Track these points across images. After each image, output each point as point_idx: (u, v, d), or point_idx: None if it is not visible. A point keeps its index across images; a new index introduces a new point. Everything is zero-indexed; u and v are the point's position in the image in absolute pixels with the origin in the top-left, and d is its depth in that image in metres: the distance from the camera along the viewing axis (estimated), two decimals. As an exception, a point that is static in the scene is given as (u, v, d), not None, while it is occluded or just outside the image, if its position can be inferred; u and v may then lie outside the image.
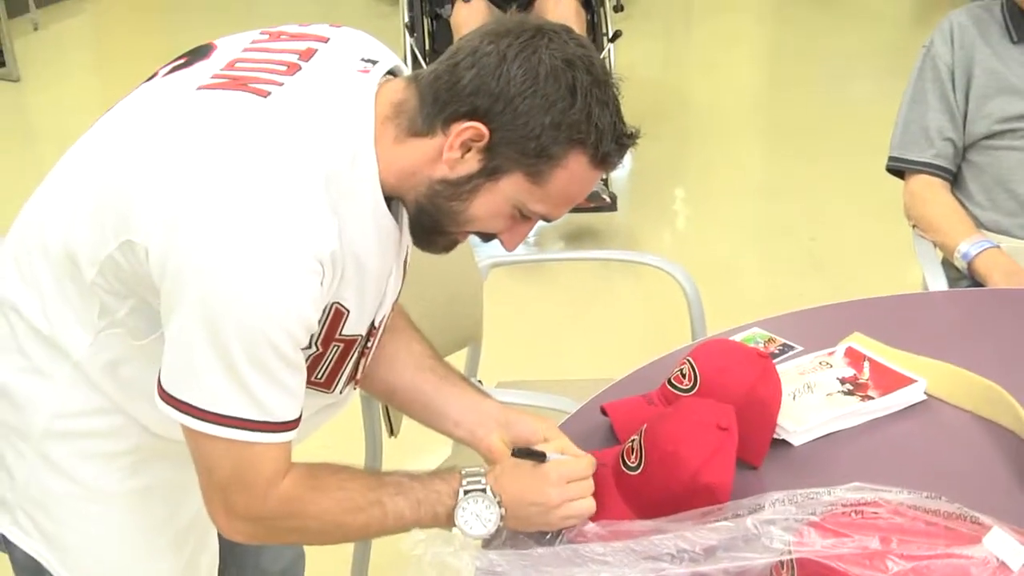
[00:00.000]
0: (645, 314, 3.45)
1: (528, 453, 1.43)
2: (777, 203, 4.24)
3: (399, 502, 1.37)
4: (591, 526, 1.37)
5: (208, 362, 1.23)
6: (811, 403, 1.60)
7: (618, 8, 4.61)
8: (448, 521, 1.39)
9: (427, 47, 4.14)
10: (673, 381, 1.56)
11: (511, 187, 1.31)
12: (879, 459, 1.53)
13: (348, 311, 1.35)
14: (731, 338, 1.77)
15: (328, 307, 1.32)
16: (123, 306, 1.34)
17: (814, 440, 1.56)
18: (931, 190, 2.38)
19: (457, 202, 1.32)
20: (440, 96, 1.29)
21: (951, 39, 2.39)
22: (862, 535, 1.21)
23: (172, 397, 1.27)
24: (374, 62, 1.37)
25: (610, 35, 4.12)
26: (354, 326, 1.38)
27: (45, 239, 1.37)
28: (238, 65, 1.36)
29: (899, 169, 2.45)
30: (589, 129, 1.29)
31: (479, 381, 2.15)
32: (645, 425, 1.44)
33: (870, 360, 1.68)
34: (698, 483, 1.36)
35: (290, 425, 1.30)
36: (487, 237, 1.39)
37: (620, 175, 4.41)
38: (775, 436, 1.53)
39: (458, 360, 2.17)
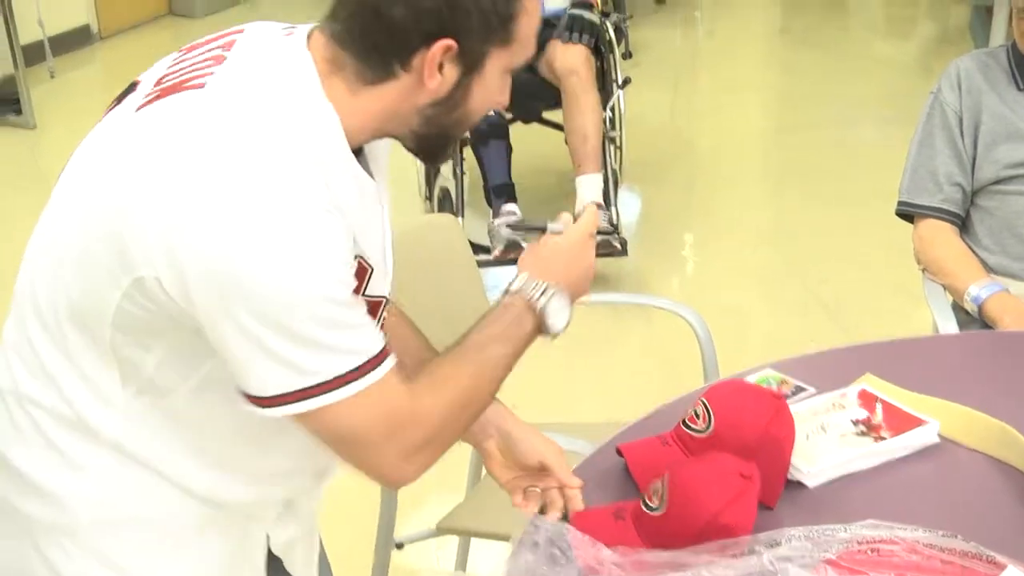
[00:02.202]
0: (657, 357, 3.45)
1: (528, 228, 1.52)
2: (786, 247, 4.26)
3: (495, 347, 1.40)
4: (607, 553, 1.37)
5: (285, 345, 1.21)
6: (825, 444, 1.60)
7: (627, 55, 4.64)
8: (536, 333, 1.44)
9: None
10: (687, 422, 1.57)
11: (494, 64, 1.32)
12: (893, 500, 1.53)
13: (371, 268, 1.35)
14: (744, 379, 1.77)
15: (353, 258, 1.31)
16: (149, 359, 1.31)
17: (828, 481, 1.56)
18: (940, 234, 2.40)
19: (456, 110, 1.34)
20: (380, 44, 1.28)
21: (958, 85, 2.41)
22: (879, 572, 1.22)
23: (274, 398, 1.24)
24: (294, 28, 1.37)
25: (620, 82, 4.14)
26: (377, 285, 1.38)
27: (42, 316, 1.34)
28: (165, 80, 1.34)
29: (908, 213, 2.46)
30: None
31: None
32: (668, 471, 1.45)
33: (883, 402, 1.69)
34: (718, 523, 1.37)
35: (386, 351, 1.28)
36: None
37: (630, 220, 4.43)
38: (789, 477, 1.54)
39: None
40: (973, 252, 2.37)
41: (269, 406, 1.25)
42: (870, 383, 1.75)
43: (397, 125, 1.34)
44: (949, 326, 2.31)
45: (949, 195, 2.39)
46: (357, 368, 1.25)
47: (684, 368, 1.84)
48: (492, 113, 3.85)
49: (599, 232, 3.71)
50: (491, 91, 1.35)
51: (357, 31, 1.28)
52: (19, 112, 5.36)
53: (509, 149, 3.93)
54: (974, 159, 2.38)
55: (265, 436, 1.36)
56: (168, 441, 1.36)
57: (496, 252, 3.75)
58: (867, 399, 1.70)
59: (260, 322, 1.20)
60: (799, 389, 1.77)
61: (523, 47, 1.34)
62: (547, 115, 4.30)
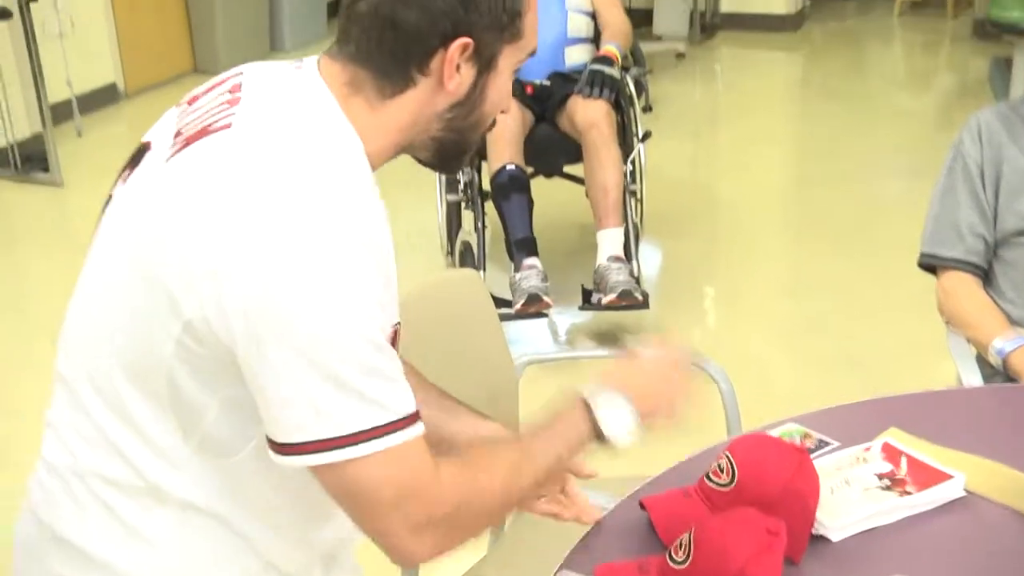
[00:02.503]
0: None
1: (609, 338, 1.48)
2: (808, 300, 4.25)
3: (543, 448, 1.39)
4: None
5: (318, 386, 1.19)
6: (849, 498, 1.59)
7: (647, 109, 4.67)
8: (591, 440, 1.42)
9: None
10: (711, 475, 1.56)
11: (506, 61, 1.36)
12: (919, 554, 1.52)
13: (399, 328, 1.34)
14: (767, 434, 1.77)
15: None
16: (207, 414, 1.30)
17: (853, 535, 1.55)
18: (964, 286, 2.39)
19: (474, 112, 1.37)
20: (397, 53, 1.30)
21: (979, 138, 2.42)
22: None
23: (295, 445, 1.22)
24: (299, 62, 1.38)
25: (640, 135, 4.17)
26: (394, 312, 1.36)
27: (98, 386, 1.33)
28: (183, 130, 1.35)
29: (931, 265, 2.46)
30: None
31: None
32: (695, 525, 1.44)
33: (907, 456, 1.68)
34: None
35: (416, 416, 1.26)
36: None
37: (651, 273, 4.44)
38: (813, 532, 1.53)
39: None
40: (997, 304, 2.37)
41: (289, 454, 1.24)
42: (895, 437, 1.74)
43: (418, 133, 1.36)
44: (973, 379, 2.30)
45: (972, 247, 2.39)
46: (385, 425, 1.23)
47: (707, 421, 1.83)
48: (513, 167, 3.88)
49: (622, 290, 3.72)
50: (502, 92, 1.38)
51: (373, 44, 1.30)
52: (47, 170, 5.41)
53: (531, 203, 3.95)
54: (996, 211, 2.38)
55: (329, 505, 1.32)
56: (232, 504, 1.35)
57: (518, 306, 3.76)
58: (891, 453, 1.69)
59: (298, 360, 1.19)
60: (822, 443, 1.76)
61: (528, 42, 1.37)
62: (568, 169, 4.33)
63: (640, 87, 4.34)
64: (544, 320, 3.95)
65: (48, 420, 1.42)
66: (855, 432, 1.76)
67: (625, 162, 4.03)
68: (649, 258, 4.51)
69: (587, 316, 4.05)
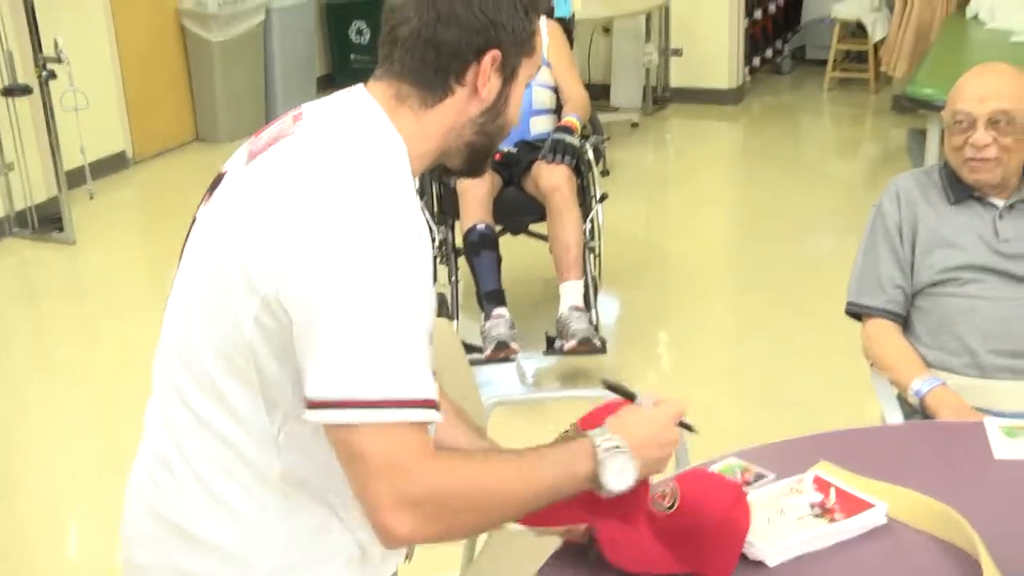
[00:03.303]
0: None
1: (620, 389, 1.48)
2: (750, 345, 4.27)
3: (543, 466, 1.34)
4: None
5: (356, 350, 1.21)
6: (784, 526, 1.60)
7: (605, 173, 4.70)
8: (589, 481, 1.37)
9: (435, 209, 4.19)
10: (655, 498, 1.56)
11: (523, 73, 1.43)
12: (847, 577, 1.52)
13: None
14: (710, 467, 1.78)
15: None
16: (286, 387, 1.30)
17: (788, 560, 1.55)
18: (885, 332, 2.41)
19: (499, 117, 1.43)
20: (439, 65, 1.37)
21: (897, 200, 2.45)
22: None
23: (323, 400, 1.22)
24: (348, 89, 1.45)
25: (598, 197, 4.18)
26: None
27: (197, 378, 1.35)
28: (254, 150, 1.41)
29: (856, 313, 2.47)
30: None
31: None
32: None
33: (836, 487, 1.68)
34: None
35: (434, 403, 1.25)
36: None
37: (609, 322, 4.45)
38: (752, 556, 1.53)
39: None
40: (915, 349, 2.38)
41: (315, 407, 1.23)
42: (824, 469, 1.75)
43: (455, 139, 1.42)
44: (895, 416, 2.31)
45: (892, 297, 2.41)
46: (407, 400, 1.23)
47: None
48: (484, 226, 3.89)
49: (582, 337, 3.73)
50: (518, 99, 1.45)
51: (417, 59, 1.37)
52: (61, 229, 5.39)
53: (499, 258, 3.96)
54: (912, 265, 2.40)
55: None
56: (320, 479, 1.35)
57: (487, 352, 3.75)
58: (822, 484, 1.70)
59: (347, 322, 1.21)
60: (760, 476, 1.76)
61: (538, 58, 1.45)
62: (533, 227, 4.34)
63: (598, 153, 4.36)
64: (512, 364, 3.95)
65: (151, 417, 1.44)
66: (789, 465, 1.77)
67: (585, 221, 4.05)
68: (607, 308, 4.51)
69: (551, 360, 4.05)
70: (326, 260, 1.23)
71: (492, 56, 1.38)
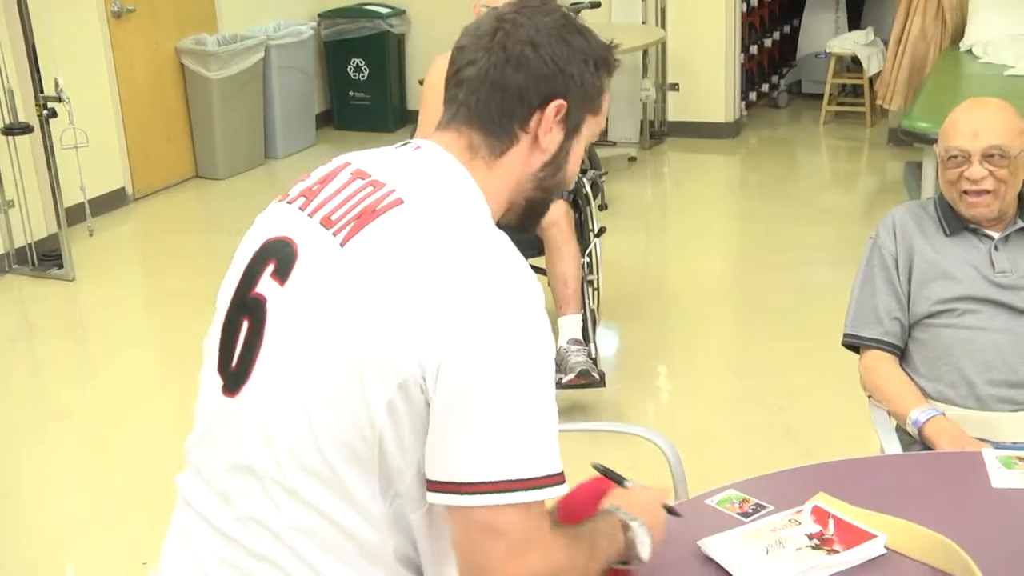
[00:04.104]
0: (633, 479, 3.42)
1: (611, 474, 1.54)
2: (749, 376, 4.27)
3: (603, 539, 1.39)
4: None
5: (497, 432, 1.19)
6: (783, 557, 1.60)
7: (603, 207, 4.70)
8: (627, 550, 1.43)
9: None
10: None
11: (587, 130, 1.40)
12: (846, 608, 1.52)
13: None
14: (708, 499, 1.78)
15: None
16: (406, 473, 1.27)
17: (787, 591, 1.55)
18: (882, 364, 2.41)
19: (559, 172, 1.40)
20: (504, 110, 1.34)
21: (894, 232, 2.46)
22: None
23: (460, 484, 1.20)
24: (407, 142, 1.41)
25: (596, 231, 4.20)
26: None
27: (306, 465, 1.28)
28: (335, 218, 1.32)
29: (854, 344, 2.48)
30: (607, 55, 1.38)
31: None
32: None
33: (835, 518, 1.69)
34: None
35: (561, 476, 1.26)
36: None
37: (608, 355, 4.45)
38: (752, 588, 1.53)
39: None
40: (912, 379, 2.39)
41: (440, 491, 1.22)
42: (823, 500, 1.75)
43: (518, 194, 1.39)
44: (893, 447, 2.31)
45: (889, 328, 2.42)
46: (549, 477, 1.23)
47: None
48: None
49: (580, 370, 3.73)
50: (578, 156, 1.42)
51: (481, 104, 1.34)
52: (61, 266, 5.40)
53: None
54: (909, 296, 2.41)
55: None
56: (425, 555, 1.33)
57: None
58: (820, 515, 1.70)
59: (493, 404, 1.19)
60: (759, 507, 1.77)
61: (603, 119, 1.42)
62: (531, 262, 4.34)
63: (596, 188, 4.38)
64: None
65: (239, 515, 1.34)
66: (788, 497, 1.77)
67: (583, 255, 4.06)
68: (605, 341, 4.52)
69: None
70: (481, 340, 1.21)
71: (557, 105, 1.35)
